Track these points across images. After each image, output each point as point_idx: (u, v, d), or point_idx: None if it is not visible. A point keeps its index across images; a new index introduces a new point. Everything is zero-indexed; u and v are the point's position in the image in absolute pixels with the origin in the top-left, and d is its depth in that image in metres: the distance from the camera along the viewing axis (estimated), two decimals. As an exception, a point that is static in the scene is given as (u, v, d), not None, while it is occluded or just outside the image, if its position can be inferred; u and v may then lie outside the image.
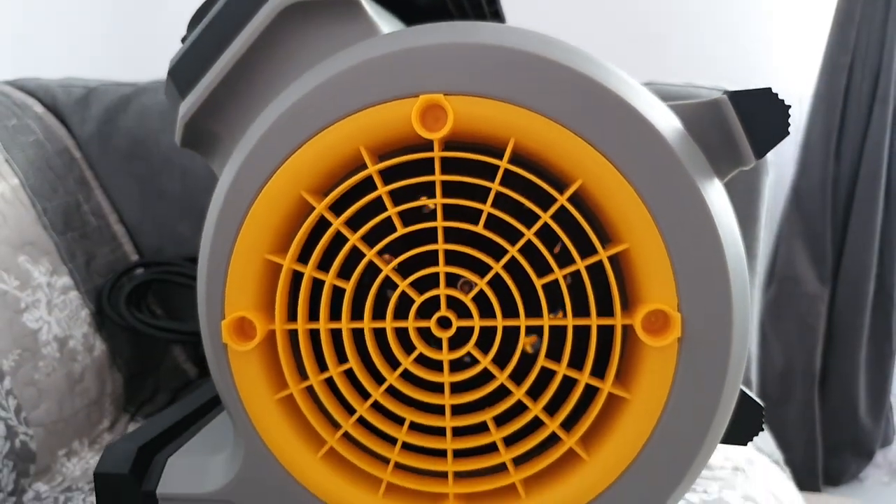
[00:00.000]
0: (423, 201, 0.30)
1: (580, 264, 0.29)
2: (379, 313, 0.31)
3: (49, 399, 0.60)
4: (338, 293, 0.31)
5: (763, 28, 1.24)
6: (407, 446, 0.31)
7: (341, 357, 0.32)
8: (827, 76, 1.18)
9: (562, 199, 0.29)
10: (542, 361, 0.30)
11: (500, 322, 0.30)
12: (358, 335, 0.32)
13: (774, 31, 1.24)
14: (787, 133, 0.29)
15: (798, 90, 1.24)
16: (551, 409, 0.31)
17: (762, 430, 0.34)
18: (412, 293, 0.31)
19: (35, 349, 0.60)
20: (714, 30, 1.22)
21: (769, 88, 0.29)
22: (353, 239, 0.30)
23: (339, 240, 0.31)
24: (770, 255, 1.30)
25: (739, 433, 0.34)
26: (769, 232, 1.29)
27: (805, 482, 1.23)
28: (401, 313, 0.31)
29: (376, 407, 0.32)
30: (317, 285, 0.31)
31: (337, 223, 0.30)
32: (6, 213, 0.64)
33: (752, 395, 0.34)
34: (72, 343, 0.64)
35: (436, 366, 0.31)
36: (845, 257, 1.24)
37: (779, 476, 0.55)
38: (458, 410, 0.31)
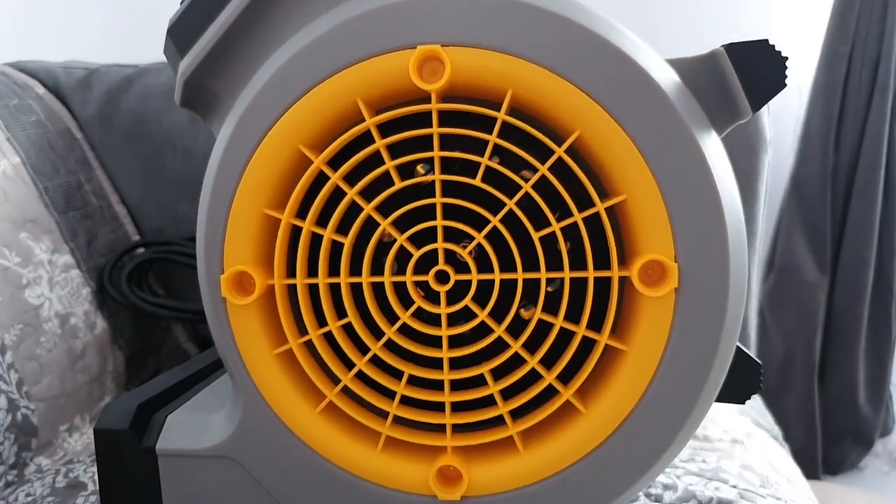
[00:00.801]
0: (421, 155, 0.30)
1: (577, 217, 0.29)
2: (377, 269, 0.32)
3: (50, 374, 0.60)
4: (336, 249, 0.31)
5: (763, 17, 1.24)
6: (405, 400, 0.32)
7: (340, 312, 0.32)
8: (826, 65, 1.18)
9: (559, 151, 0.29)
10: (538, 314, 0.30)
11: (497, 276, 0.30)
12: (356, 290, 0.32)
13: (774, 20, 1.24)
14: (784, 85, 0.29)
15: (797, 79, 1.24)
16: (549, 363, 0.31)
17: (760, 388, 0.34)
18: (410, 247, 0.31)
19: (36, 325, 0.60)
20: (713, 18, 1.23)
21: (766, 40, 0.29)
22: (352, 193, 0.30)
23: (337, 196, 0.31)
24: (769, 245, 1.30)
25: (737, 391, 0.34)
26: (769, 222, 1.29)
27: (804, 471, 1.23)
28: (399, 270, 0.31)
29: (375, 361, 0.32)
30: (315, 241, 0.31)
31: (335, 177, 0.30)
32: (7, 190, 0.64)
33: (750, 353, 0.34)
34: (73, 320, 0.64)
35: (434, 320, 0.31)
36: (845, 246, 1.24)
37: (777, 450, 0.55)
38: (456, 364, 0.31)
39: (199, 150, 0.74)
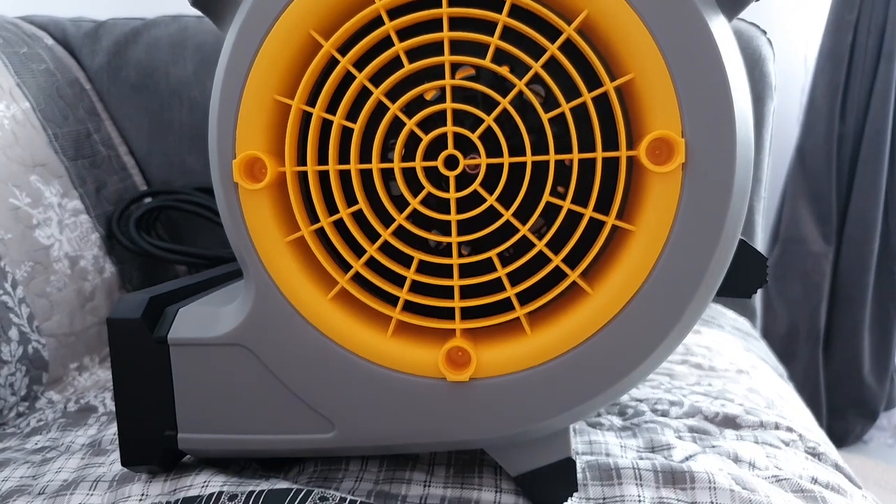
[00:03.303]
0: (431, 37, 0.30)
1: (587, 96, 0.30)
2: (386, 157, 0.32)
3: (60, 312, 0.61)
4: (346, 136, 0.32)
5: (769, -13, 1.23)
6: (415, 286, 0.32)
7: (350, 200, 0.32)
8: (832, 34, 1.18)
9: (569, 31, 0.29)
10: (546, 197, 0.31)
11: (506, 159, 0.31)
12: (367, 178, 0.32)
13: (780, -11, 1.23)
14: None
15: (803, 48, 1.24)
16: (556, 246, 0.31)
17: (766, 282, 0.34)
18: (419, 132, 0.31)
19: (47, 263, 0.61)
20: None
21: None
22: (361, 77, 0.31)
23: (348, 83, 0.31)
24: (774, 216, 1.30)
25: (743, 285, 0.34)
26: (774, 193, 1.29)
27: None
28: (408, 159, 0.32)
29: (385, 248, 0.32)
30: (326, 129, 0.32)
31: (344, 61, 0.31)
32: (18, 133, 0.64)
33: (755, 246, 0.34)
34: (82, 263, 0.65)
35: (443, 207, 0.32)
36: (850, 217, 1.24)
37: (782, 384, 0.55)
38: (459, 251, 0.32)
39: (206, 102, 0.74)
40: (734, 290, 0.34)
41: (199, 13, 0.34)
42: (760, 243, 0.71)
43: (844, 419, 1.32)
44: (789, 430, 0.42)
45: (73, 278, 0.63)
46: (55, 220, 0.64)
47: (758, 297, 0.96)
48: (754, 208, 0.66)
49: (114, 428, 0.44)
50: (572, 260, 0.31)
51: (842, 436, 1.33)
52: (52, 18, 0.78)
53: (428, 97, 0.32)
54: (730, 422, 0.42)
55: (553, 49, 0.30)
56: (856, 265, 1.25)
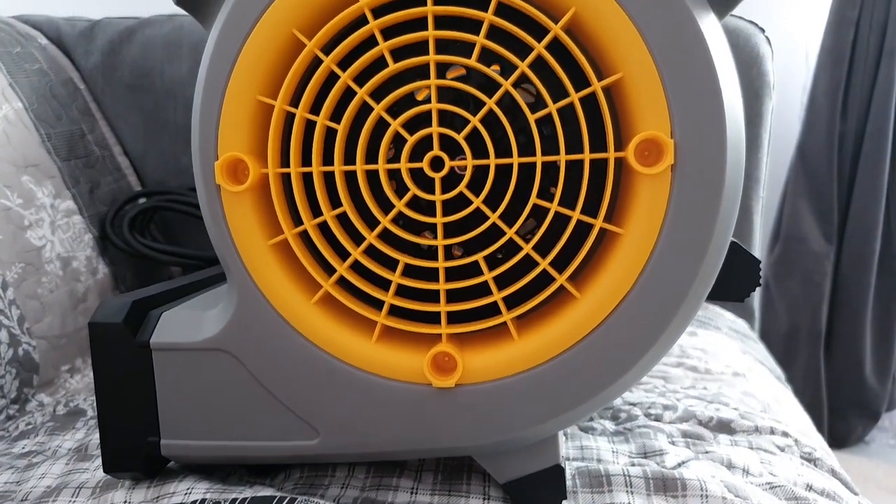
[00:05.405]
0: (415, 36, 0.30)
1: (574, 96, 0.29)
2: (372, 158, 0.31)
3: (52, 314, 0.60)
4: (330, 137, 0.31)
5: (770, -16, 1.23)
6: (401, 290, 0.31)
7: (334, 202, 0.32)
8: (834, 31, 1.17)
9: (556, 29, 0.29)
10: (534, 199, 0.30)
11: (492, 161, 0.30)
12: (351, 180, 0.32)
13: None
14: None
15: (805, 45, 1.23)
16: (543, 250, 0.31)
17: (759, 285, 0.34)
18: (404, 133, 0.30)
19: (38, 265, 0.60)
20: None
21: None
22: (345, 77, 0.30)
23: (332, 83, 0.31)
24: (775, 214, 1.29)
25: (737, 288, 0.34)
26: (774, 192, 1.29)
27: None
28: (393, 161, 0.31)
29: (370, 251, 0.32)
30: (309, 130, 0.31)
31: (328, 61, 0.30)
32: (10, 133, 0.64)
33: (752, 248, 0.34)
34: (75, 264, 0.65)
35: (429, 210, 0.31)
36: (851, 216, 1.23)
37: (779, 386, 0.54)
38: (450, 254, 0.31)
39: (201, 101, 0.74)
40: (727, 294, 0.33)
41: (193, 12, 0.34)
42: (759, 243, 0.70)
43: (846, 420, 1.31)
44: (785, 434, 0.41)
45: (66, 279, 0.63)
46: (47, 220, 0.64)
47: (756, 298, 0.95)
48: (752, 208, 0.65)
49: (101, 432, 0.44)
50: (560, 263, 0.31)
51: (843, 437, 1.32)
52: (46, 17, 0.78)
53: (420, 97, 0.31)
54: (724, 426, 0.42)
55: (540, 48, 0.29)
56: (857, 264, 1.24)
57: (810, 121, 1.22)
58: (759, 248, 0.70)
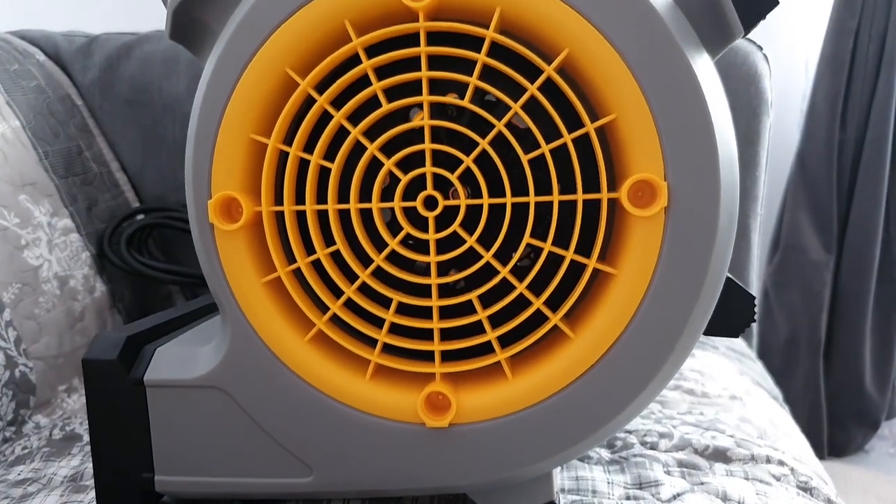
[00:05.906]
0: (409, 76, 0.30)
1: (567, 137, 0.29)
2: (365, 197, 0.31)
3: (49, 334, 0.60)
4: (324, 176, 0.31)
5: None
6: (394, 328, 0.31)
7: (328, 240, 0.32)
8: (833, 39, 1.17)
9: (549, 70, 0.29)
10: (527, 239, 0.30)
11: (486, 200, 0.30)
12: (344, 218, 0.32)
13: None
14: (776, 3, 0.29)
15: (804, 54, 1.23)
16: (537, 289, 0.31)
17: (754, 321, 0.34)
18: (398, 172, 0.30)
19: (35, 285, 0.60)
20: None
21: (756, -44, 0.28)
22: (338, 116, 0.30)
23: (325, 122, 0.31)
24: (775, 224, 1.29)
25: (731, 324, 0.34)
26: (774, 201, 1.28)
27: (810, 452, 1.22)
28: (387, 198, 0.31)
29: (363, 289, 0.32)
30: (303, 168, 0.31)
31: (321, 100, 0.30)
32: (7, 152, 0.64)
33: (743, 286, 0.34)
34: (72, 283, 0.65)
35: (422, 248, 0.31)
36: (850, 225, 1.23)
37: (777, 409, 0.54)
38: (444, 292, 0.31)
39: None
40: (721, 330, 0.33)
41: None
42: (757, 258, 0.70)
43: (845, 429, 1.31)
44: (781, 463, 0.41)
45: (63, 298, 0.63)
46: (44, 239, 0.64)
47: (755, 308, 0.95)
48: (750, 226, 0.65)
49: (97, 459, 0.44)
50: (554, 302, 0.31)
51: (843, 446, 1.32)
52: (44, 33, 0.78)
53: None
54: (720, 455, 0.41)
55: (533, 89, 0.29)
56: (857, 274, 1.24)
57: (810, 129, 1.22)
58: (757, 263, 0.70)
